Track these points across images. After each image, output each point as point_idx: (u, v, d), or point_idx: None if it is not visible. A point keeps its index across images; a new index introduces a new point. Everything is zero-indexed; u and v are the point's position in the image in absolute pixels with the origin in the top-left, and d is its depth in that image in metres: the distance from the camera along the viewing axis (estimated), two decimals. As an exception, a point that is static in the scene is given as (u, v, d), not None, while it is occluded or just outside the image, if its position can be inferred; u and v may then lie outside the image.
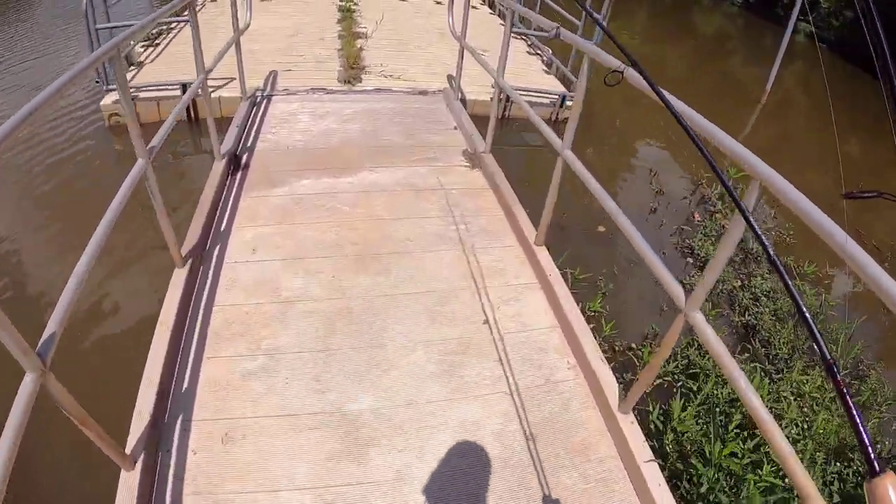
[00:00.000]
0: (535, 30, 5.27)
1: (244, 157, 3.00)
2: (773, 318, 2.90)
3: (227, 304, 2.01)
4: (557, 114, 4.59)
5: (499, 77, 2.78)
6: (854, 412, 0.55)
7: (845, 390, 0.57)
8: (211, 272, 2.15)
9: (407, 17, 6.26)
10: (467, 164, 3.11)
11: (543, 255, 2.26)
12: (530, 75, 4.98)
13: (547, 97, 4.56)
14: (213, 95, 3.99)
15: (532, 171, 3.84)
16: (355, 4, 6.38)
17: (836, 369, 0.59)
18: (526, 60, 5.40)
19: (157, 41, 5.11)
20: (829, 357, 0.60)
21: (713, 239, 3.46)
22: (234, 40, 3.33)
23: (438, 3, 7.07)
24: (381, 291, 2.09)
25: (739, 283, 3.23)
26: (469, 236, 2.44)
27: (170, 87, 4.05)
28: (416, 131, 3.46)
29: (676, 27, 10.61)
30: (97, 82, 4.30)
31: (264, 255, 2.25)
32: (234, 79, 3.88)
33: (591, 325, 2.57)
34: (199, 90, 2.70)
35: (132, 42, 4.69)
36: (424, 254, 2.31)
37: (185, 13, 2.64)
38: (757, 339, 2.77)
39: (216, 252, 2.26)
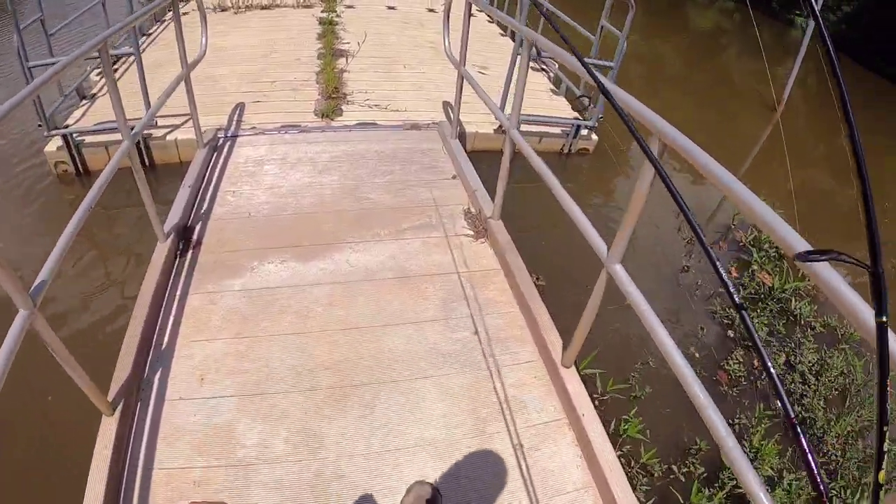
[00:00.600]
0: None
1: (196, 231, 2.52)
2: (825, 403, 2.48)
3: (170, 467, 1.55)
4: (571, 145, 4.10)
5: (510, 128, 2.29)
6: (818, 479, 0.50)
7: (810, 456, 0.50)
8: (149, 417, 1.69)
9: (395, 28, 5.72)
10: (471, 231, 2.63)
11: (573, 381, 1.80)
12: (536, 97, 4.48)
13: (557, 126, 4.06)
14: (168, 138, 3.49)
15: (546, 215, 3.36)
16: (338, 16, 5.83)
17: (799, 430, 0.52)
18: (530, 78, 4.88)
19: (116, 65, 4.57)
20: (791, 415, 0.53)
21: (757, 308, 3.01)
22: (182, 77, 2.82)
23: (431, 10, 6.52)
24: (363, 446, 1.63)
25: (784, 358, 2.78)
26: (475, 349, 1.97)
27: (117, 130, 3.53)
28: (406, 184, 2.98)
29: (672, 24, 10.18)
30: (39, 125, 3.77)
31: (215, 388, 1.78)
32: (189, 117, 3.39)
33: (628, 448, 2.14)
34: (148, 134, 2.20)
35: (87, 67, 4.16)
36: (418, 382, 1.84)
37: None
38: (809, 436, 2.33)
39: (155, 384, 1.79)
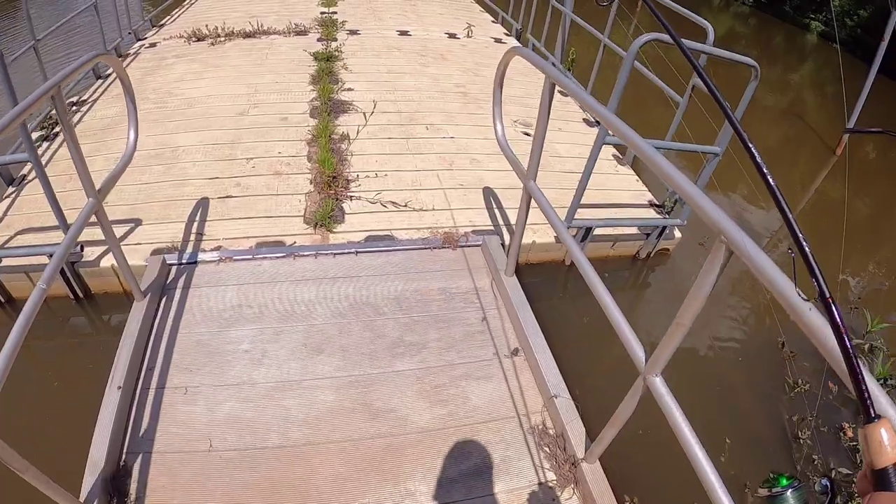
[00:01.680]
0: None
1: (134, 479, 1.56)
2: None
3: None
4: (654, 248, 3.10)
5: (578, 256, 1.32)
6: (852, 353, 0.55)
7: (844, 330, 0.56)
8: None
9: (411, 64, 4.68)
10: (553, 479, 1.66)
11: None
12: (606, 181, 3.45)
13: (634, 226, 3.05)
14: (104, 262, 2.51)
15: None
16: (338, 49, 4.79)
17: (835, 305, 0.58)
18: (588, 144, 3.87)
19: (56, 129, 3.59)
20: (827, 294, 0.59)
21: None
22: (91, 210, 1.85)
23: (452, 36, 5.48)
24: None
25: None
26: None
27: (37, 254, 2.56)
28: (447, 373, 2.00)
29: (685, 28, 9.20)
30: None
31: None
32: (135, 225, 2.46)
33: None
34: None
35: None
36: None
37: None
38: None
39: None
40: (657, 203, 3.30)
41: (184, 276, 2.41)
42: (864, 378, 0.54)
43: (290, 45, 4.93)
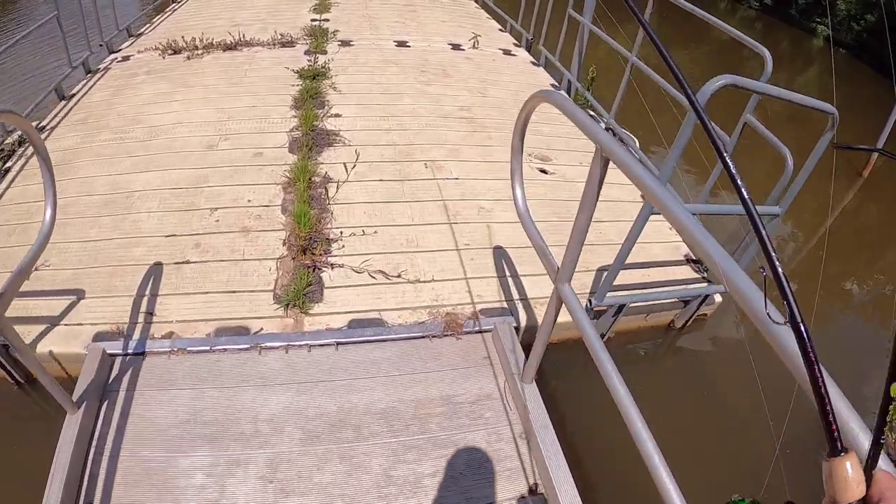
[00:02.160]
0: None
1: None
2: None
3: None
4: (692, 317, 2.62)
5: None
6: (821, 382, 0.52)
7: (813, 357, 0.53)
8: None
9: (409, 81, 4.17)
10: None
11: None
12: (625, 211, 2.97)
13: (673, 297, 2.56)
14: (41, 348, 2.05)
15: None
16: (326, 64, 4.28)
17: (805, 331, 0.55)
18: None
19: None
20: (798, 318, 0.55)
21: None
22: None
23: (456, 47, 4.96)
24: None
25: None
26: None
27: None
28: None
29: (690, 32, 9.03)
30: None
31: None
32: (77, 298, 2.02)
33: None
34: None
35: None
36: None
37: None
38: None
39: None
40: (694, 258, 2.82)
41: (129, 374, 1.95)
42: (831, 408, 0.51)
43: (273, 58, 4.44)
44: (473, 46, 4.94)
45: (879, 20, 9.04)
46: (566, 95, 1.44)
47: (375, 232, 2.56)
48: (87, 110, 3.73)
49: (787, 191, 2.22)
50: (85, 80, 4.26)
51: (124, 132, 3.36)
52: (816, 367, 0.52)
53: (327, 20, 5.50)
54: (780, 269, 0.58)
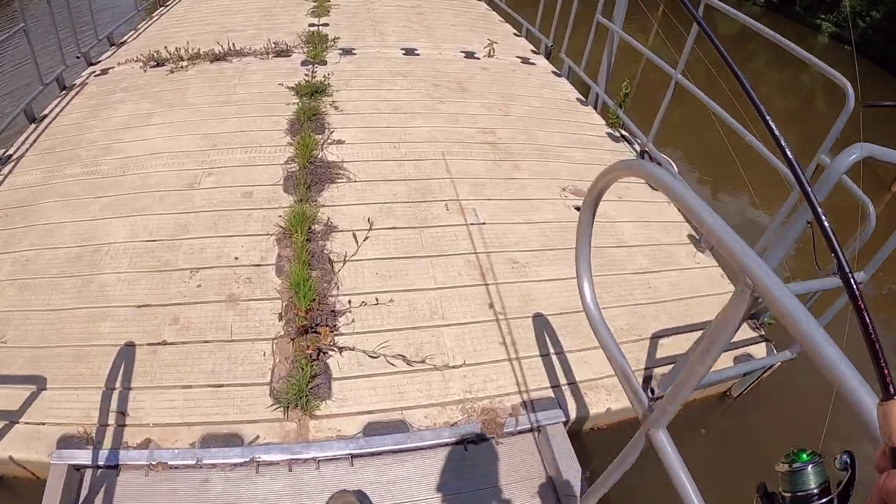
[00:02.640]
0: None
1: None
2: None
3: None
4: (750, 385, 2.23)
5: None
6: (871, 329, 0.54)
7: (862, 305, 0.55)
8: None
9: (421, 100, 3.68)
10: None
11: None
12: (682, 279, 2.54)
13: (736, 375, 2.15)
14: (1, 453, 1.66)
15: None
16: (326, 77, 3.82)
17: (853, 280, 0.57)
18: (660, 220, 2.92)
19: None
20: (847, 269, 0.58)
21: None
22: None
23: (470, 55, 4.50)
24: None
25: None
26: None
27: None
28: None
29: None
30: None
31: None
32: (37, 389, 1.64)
33: None
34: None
35: None
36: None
37: None
38: None
39: None
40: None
41: (101, 492, 1.57)
42: (882, 354, 0.52)
43: (266, 71, 3.98)
44: (489, 55, 4.49)
45: (885, 17, 9.25)
46: (665, 170, 1.04)
47: (391, 300, 2.13)
48: (58, 136, 3.30)
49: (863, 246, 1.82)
50: (59, 99, 3.81)
51: (95, 164, 2.93)
52: (866, 314, 0.55)
53: (326, 24, 5.04)
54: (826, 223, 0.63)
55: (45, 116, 3.55)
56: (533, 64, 4.53)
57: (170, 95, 3.64)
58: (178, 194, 2.64)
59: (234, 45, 4.33)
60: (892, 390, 0.50)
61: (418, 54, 4.44)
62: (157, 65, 4.16)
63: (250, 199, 2.61)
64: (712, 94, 2.85)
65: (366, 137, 3.15)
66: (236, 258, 2.29)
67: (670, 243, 2.73)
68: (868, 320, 0.54)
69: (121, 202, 2.62)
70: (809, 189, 0.75)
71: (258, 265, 2.26)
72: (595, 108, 4.02)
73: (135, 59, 4.26)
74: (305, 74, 3.92)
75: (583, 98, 4.08)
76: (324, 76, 3.83)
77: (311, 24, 5.02)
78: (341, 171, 2.79)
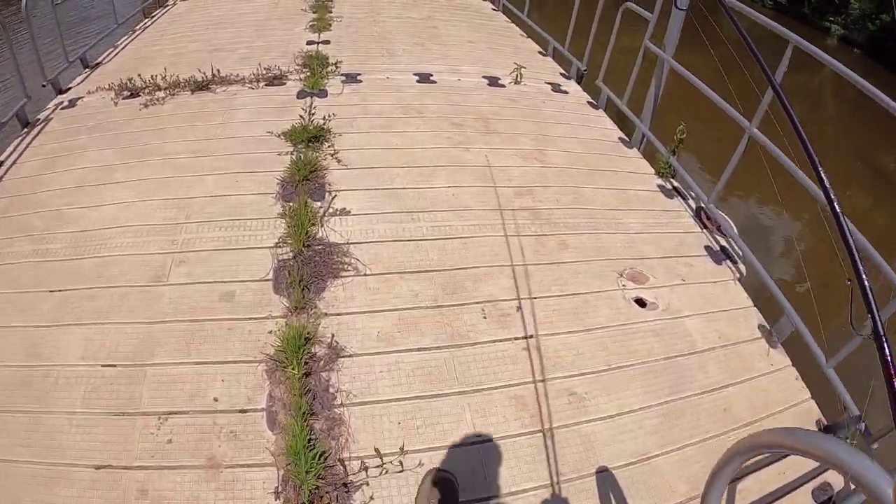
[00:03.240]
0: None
1: None
2: None
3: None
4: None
5: None
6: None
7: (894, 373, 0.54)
8: None
9: (441, 147, 3.07)
10: None
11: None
12: (750, 377, 2.01)
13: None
14: None
15: None
16: (326, 122, 3.20)
17: (887, 343, 0.55)
18: (741, 330, 2.36)
19: None
20: (881, 331, 0.58)
21: None
22: None
23: (494, 82, 3.91)
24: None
25: None
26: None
27: None
28: None
29: (704, 30, 8.53)
30: None
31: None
32: None
33: None
34: None
35: None
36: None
37: None
38: None
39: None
40: (827, 421, 1.95)
41: None
42: None
43: (256, 105, 3.40)
44: (515, 81, 3.91)
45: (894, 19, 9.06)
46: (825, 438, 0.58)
47: (420, 463, 1.60)
48: (13, 192, 2.75)
49: None
50: (19, 139, 3.26)
51: (46, 241, 2.38)
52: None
53: (327, 42, 4.45)
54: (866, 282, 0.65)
55: (2, 163, 3.00)
56: (565, 92, 3.95)
57: (141, 138, 3.07)
58: (141, 293, 2.09)
59: (218, 71, 3.75)
60: None
61: (434, 81, 3.85)
62: (132, 95, 3.59)
63: (231, 303, 2.05)
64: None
65: (377, 205, 2.58)
66: (215, 399, 1.74)
67: (739, 341, 2.20)
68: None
69: (75, 301, 2.07)
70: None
71: (244, 411, 1.71)
72: (639, 149, 3.46)
73: (107, 86, 3.69)
74: (302, 110, 3.33)
75: (626, 138, 3.51)
76: (324, 116, 3.23)
77: (310, 42, 4.43)
78: (347, 260, 2.23)
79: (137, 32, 4.97)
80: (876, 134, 6.79)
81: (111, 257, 2.27)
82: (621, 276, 2.37)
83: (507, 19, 5.41)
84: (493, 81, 3.92)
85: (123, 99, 3.56)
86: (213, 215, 2.47)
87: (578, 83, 4.18)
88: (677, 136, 3.16)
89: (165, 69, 3.72)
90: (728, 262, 2.59)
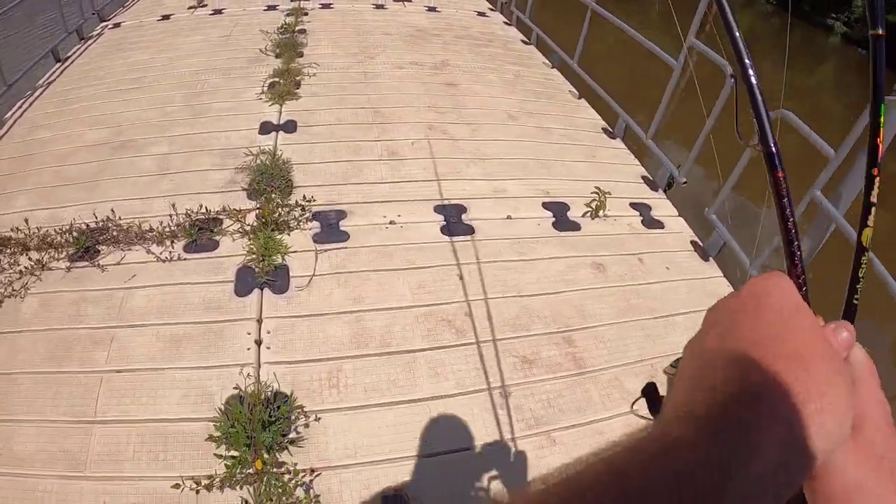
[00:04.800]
0: None
1: None
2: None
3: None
4: None
5: None
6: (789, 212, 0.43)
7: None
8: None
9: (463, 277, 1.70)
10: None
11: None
12: None
13: None
14: None
15: None
16: (278, 380, 1.70)
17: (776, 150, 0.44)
18: None
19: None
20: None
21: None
22: None
23: (562, 217, 2.39)
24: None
25: None
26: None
27: None
28: None
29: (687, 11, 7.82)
30: None
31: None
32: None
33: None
34: None
35: None
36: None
37: None
38: None
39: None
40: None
41: None
42: (797, 237, 0.45)
43: (164, 307, 1.93)
44: (594, 215, 2.42)
45: (904, 18, 8.68)
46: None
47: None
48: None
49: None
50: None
51: None
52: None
53: (292, 126, 2.90)
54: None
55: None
56: (690, 253, 2.45)
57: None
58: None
59: (117, 217, 2.28)
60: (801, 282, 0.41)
61: (472, 230, 2.33)
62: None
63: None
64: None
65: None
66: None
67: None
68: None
69: None
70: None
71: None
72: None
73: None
74: (248, 334, 1.86)
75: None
76: (278, 347, 1.80)
77: (265, 125, 2.89)
78: None
79: (31, 98, 3.39)
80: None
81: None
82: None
83: (572, 88, 3.65)
84: (561, 214, 2.40)
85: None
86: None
87: (666, 190, 2.65)
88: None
89: (40, 203, 2.25)
90: None
